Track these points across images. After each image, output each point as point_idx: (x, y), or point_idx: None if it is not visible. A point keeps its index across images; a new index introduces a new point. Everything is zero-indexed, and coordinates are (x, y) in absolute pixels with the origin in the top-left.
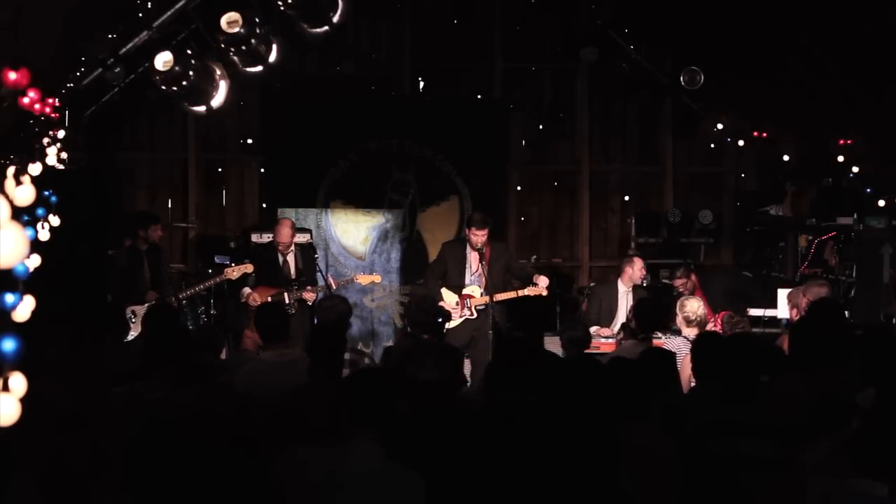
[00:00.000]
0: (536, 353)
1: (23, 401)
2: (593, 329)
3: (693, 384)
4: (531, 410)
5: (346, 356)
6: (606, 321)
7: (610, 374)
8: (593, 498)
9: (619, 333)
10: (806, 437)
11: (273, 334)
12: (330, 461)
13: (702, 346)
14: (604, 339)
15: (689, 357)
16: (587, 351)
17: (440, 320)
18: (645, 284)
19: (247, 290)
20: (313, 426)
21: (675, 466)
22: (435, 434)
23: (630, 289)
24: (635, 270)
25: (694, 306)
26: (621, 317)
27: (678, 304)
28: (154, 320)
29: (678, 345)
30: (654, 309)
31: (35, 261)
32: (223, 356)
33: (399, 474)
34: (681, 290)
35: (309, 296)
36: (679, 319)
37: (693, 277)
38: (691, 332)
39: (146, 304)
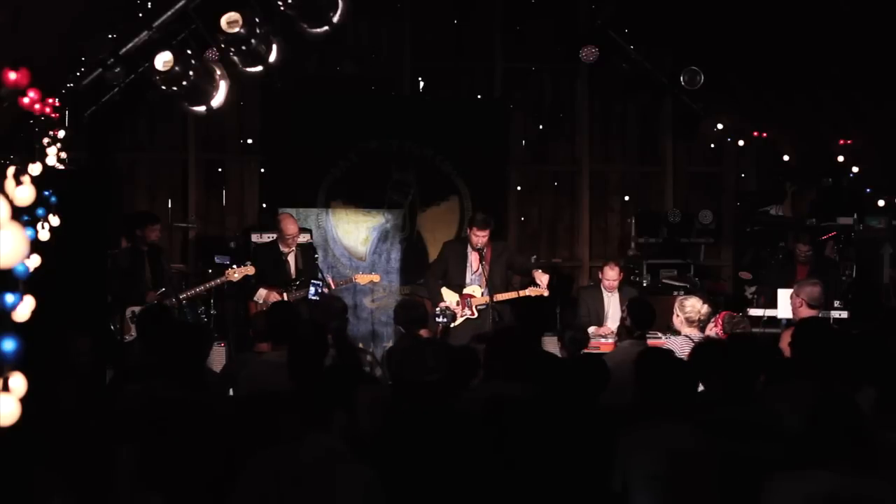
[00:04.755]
0: (531, 350)
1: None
2: (592, 329)
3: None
4: (525, 410)
5: None
6: (596, 324)
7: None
8: (585, 500)
9: (616, 335)
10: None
11: (283, 334)
12: (281, 461)
13: (701, 351)
14: (603, 340)
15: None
16: (586, 351)
17: (443, 319)
18: (645, 284)
19: (263, 291)
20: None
21: (709, 465)
22: (431, 434)
23: (613, 292)
24: (607, 280)
25: (696, 305)
26: (610, 319)
27: (677, 303)
28: (146, 322)
29: (679, 344)
30: (646, 308)
31: (35, 261)
32: (224, 356)
33: (354, 469)
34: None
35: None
36: (679, 320)
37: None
38: (693, 332)
39: (146, 305)
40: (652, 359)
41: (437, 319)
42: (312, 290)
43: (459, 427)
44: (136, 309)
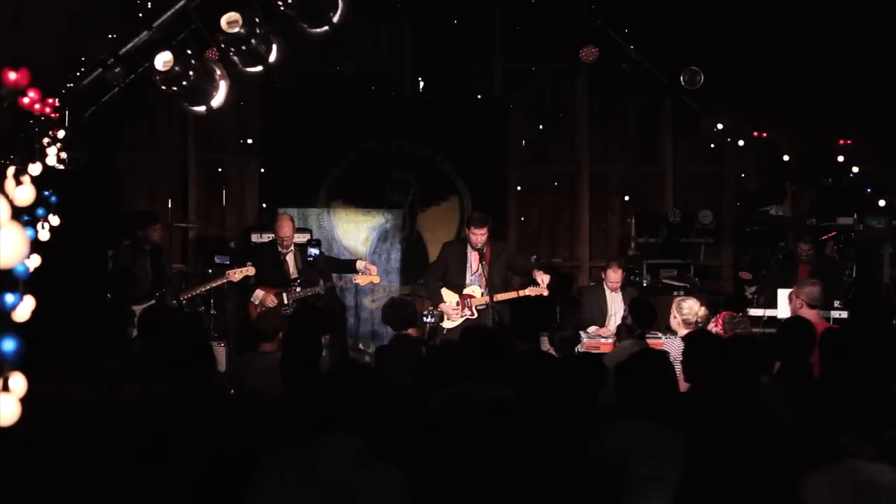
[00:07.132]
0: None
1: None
2: (592, 329)
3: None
4: (507, 410)
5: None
6: (599, 323)
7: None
8: (564, 496)
9: (615, 334)
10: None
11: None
12: (304, 459)
13: (695, 345)
14: (603, 340)
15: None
16: (586, 351)
17: (431, 319)
18: (645, 284)
19: (260, 292)
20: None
21: (685, 464)
22: (406, 437)
23: (615, 291)
24: (611, 282)
25: (694, 307)
26: (614, 318)
27: (675, 304)
28: (148, 321)
29: (677, 346)
30: (648, 307)
31: (35, 261)
32: (224, 355)
33: (379, 470)
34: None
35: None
36: (677, 321)
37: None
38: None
39: (147, 304)
40: (634, 364)
41: (424, 320)
42: (311, 254)
43: (435, 428)
44: (137, 308)
